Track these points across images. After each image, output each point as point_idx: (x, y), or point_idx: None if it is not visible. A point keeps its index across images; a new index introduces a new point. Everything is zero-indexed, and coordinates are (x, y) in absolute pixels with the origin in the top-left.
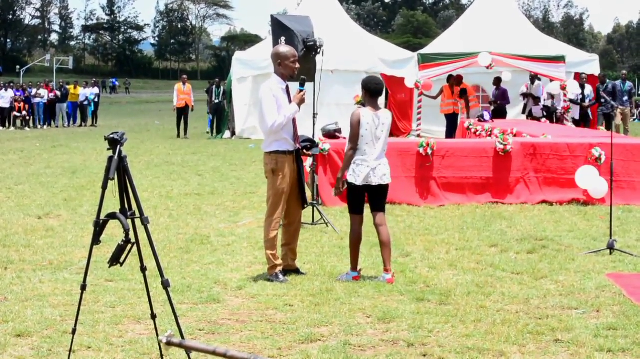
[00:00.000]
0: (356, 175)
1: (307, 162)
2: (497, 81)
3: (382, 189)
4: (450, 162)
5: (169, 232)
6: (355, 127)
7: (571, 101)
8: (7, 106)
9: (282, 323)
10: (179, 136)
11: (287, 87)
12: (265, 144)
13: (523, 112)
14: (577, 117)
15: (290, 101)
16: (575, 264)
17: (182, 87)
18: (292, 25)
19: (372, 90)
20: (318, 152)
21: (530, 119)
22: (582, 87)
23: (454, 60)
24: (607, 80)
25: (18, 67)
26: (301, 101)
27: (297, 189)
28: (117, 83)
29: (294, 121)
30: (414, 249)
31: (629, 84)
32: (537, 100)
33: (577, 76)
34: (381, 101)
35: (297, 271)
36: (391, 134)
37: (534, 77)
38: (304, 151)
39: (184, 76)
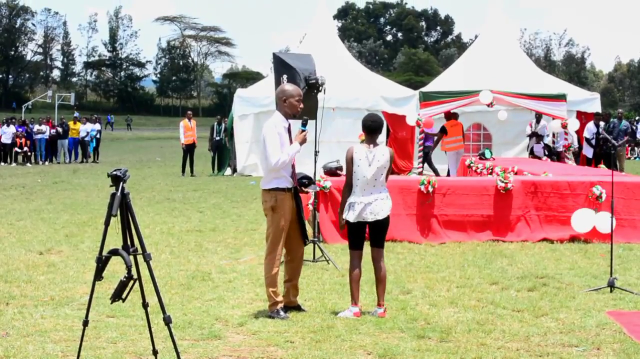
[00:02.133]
0: (350, 212)
1: (310, 200)
2: None
3: (380, 225)
4: (451, 200)
5: (171, 268)
6: (348, 164)
7: (587, 139)
8: (9, 141)
9: None
10: (183, 174)
11: (289, 125)
12: (264, 182)
13: (528, 150)
14: (590, 155)
15: (291, 139)
16: (575, 302)
17: (189, 124)
18: (294, 63)
19: (367, 127)
20: (316, 189)
21: (532, 157)
22: (597, 126)
23: (455, 98)
24: (611, 119)
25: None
26: (303, 141)
27: (298, 226)
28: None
29: None
30: (415, 287)
31: (624, 123)
32: (539, 138)
33: (591, 116)
34: (382, 138)
35: (298, 308)
36: (392, 172)
37: (539, 117)
38: (302, 188)
39: (189, 112)
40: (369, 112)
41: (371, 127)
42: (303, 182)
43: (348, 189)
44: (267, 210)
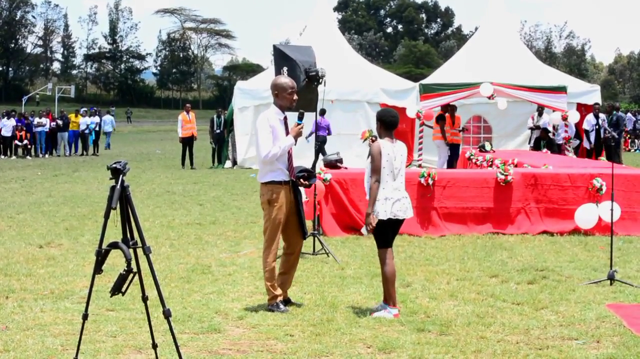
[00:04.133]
0: (381, 210)
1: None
2: (321, 112)
3: (401, 224)
4: (451, 193)
5: (170, 261)
6: (377, 158)
7: (586, 132)
8: (9, 134)
9: (283, 353)
10: (183, 166)
11: (285, 118)
12: (261, 175)
13: (529, 143)
14: (589, 147)
15: (287, 132)
16: (575, 295)
17: (187, 116)
18: (294, 55)
19: (387, 122)
20: (315, 182)
21: (532, 150)
22: (597, 117)
23: (456, 90)
24: (614, 112)
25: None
26: (298, 134)
27: (297, 219)
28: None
29: (289, 152)
30: (415, 280)
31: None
32: (544, 132)
33: (590, 108)
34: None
35: (288, 301)
36: None
37: (542, 110)
38: (301, 180)
39: (188, 105)
40: (369, 104)
41: (391, 122)
42: (302, 175)
43: (378, 184)
44: (263, 204)
